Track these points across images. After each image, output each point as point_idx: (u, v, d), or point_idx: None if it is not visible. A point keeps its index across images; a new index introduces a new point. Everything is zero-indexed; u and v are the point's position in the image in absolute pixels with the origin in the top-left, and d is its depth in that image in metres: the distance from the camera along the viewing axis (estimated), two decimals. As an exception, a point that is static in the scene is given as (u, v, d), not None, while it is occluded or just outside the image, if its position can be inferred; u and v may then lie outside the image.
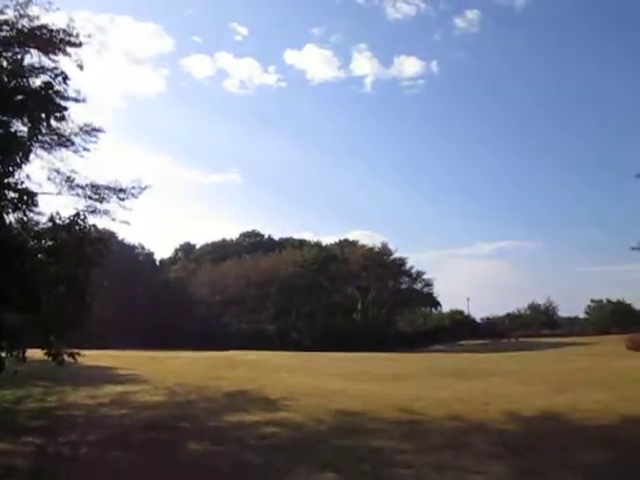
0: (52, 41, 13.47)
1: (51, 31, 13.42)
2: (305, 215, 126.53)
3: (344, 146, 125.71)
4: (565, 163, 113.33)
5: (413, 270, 66.43)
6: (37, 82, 12.99)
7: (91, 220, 13.74)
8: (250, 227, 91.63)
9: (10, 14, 13.00)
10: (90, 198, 15.23)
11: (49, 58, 13.63)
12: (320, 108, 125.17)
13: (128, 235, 57.46)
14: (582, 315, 78.68)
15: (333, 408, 12.61)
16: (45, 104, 12.34)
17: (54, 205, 13.95)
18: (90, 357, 15.64)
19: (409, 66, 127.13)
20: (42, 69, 13.41)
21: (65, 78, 13.11)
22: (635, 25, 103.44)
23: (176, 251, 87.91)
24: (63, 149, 15.04)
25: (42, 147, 14.50)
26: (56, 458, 8.78)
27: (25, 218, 12.76)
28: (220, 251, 79.72)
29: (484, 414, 11.63)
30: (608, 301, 72.48)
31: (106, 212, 15.65)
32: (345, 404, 13.15)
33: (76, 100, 14.38)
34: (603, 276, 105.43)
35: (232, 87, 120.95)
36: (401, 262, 65.53)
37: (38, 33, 13.26)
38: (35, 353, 12.78)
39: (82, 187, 15.09)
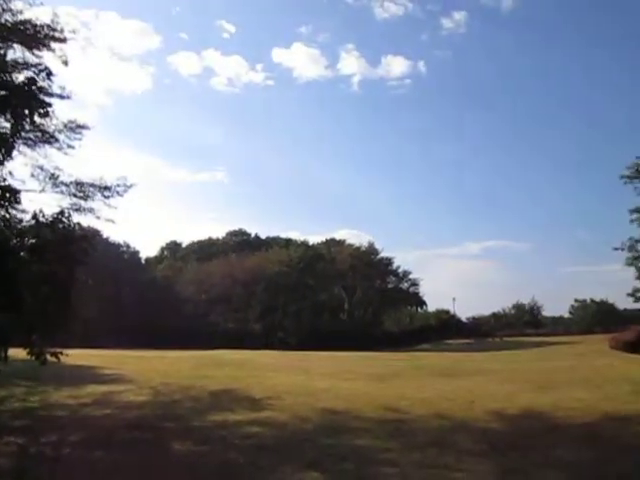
0: (36, 36, 13.32)
1: (35, 26, 13.27)
2: (292, 214, 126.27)
3: (331, 145, 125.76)
4: (552, 164, 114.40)
5: (400, 270, 66.78)
6: (20, 78, 12.80)
7: (76, 218, 13.66)
8: (237, 226, 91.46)
9: (-7, 8, 12.84)
10: (75, 196, 15.11)
11: (33, 53, 13.50)
12: (307, 107, 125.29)
13: (113, 233, 57.09)
14: (566, 315, 79.65)
15: (318, 407, 12.62)
16: (28, 100, 12.16)
17: (38, 202, 13.82)
18: (74, 356, 15.46)
19: (396, 66, 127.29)
20: (25, 64, 13.27)
21: (49, 74, 12.93)
22: (620, 27, 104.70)
23: (162, 250, 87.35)
24: (47, 146, 14.92)
25: (25, 144, 14.35)
26: (38, 458, 8.68)
27: (8, 215, 12.58)
28: (206, 250, 79.34)
29: (469, 413, 11.72)
30: (592, 301, 73.31)
31: (91, 210, 15.56)
32: (330, 403, 13.16)
33: (61, 96, 14.26)
34: (588, 276, 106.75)
35: (219, 85, 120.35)
36: (388, 262, 65.77)
37: (22, 28, 13.11)
38: (18, 352, 12.62)
39: (66, 184, 14.96)
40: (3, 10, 12.89)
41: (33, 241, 12.90)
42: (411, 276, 66.98)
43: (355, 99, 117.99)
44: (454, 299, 73.82)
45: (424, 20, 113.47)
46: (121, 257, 62.74)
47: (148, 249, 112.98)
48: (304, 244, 72.12)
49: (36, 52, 13.51)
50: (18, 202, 12.24)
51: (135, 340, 45.57)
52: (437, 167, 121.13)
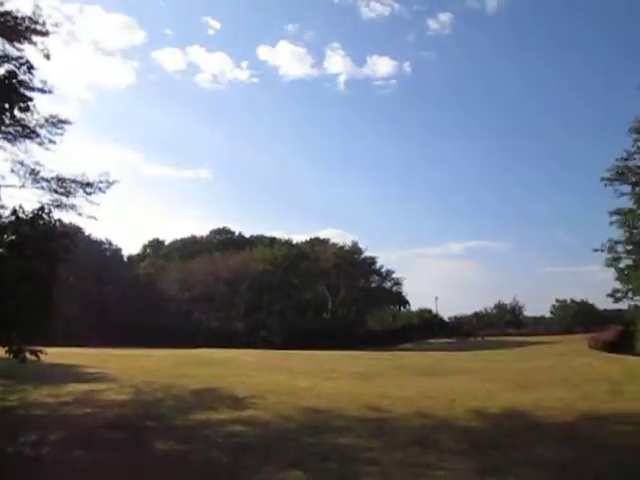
0: (17, 29, 13.10)
1: (16, 18, 13.05)
2: (276, 213, 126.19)
3: (315, 144, 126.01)
4: (533, 165, 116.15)
5: (383, 269, 67.15)
6: (0, 71, 12.61)
7: (57, 214, 13.42)
8: (221, 224, 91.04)
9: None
10: (56, 192, 14.88)
11: (13, 46, 13.27)
12: (293, 106, 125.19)
13: (95, 230, 56.58)
14: (547, 315, 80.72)
15: (301, 406, 12.62)
16: (9, 94, 11.98)
17: (18, 198, 13.58)
18: (55, 355, 15.29)
19: (382, 66, 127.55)
20: (6, 57, 13.04)
21: (30, 67, 12.77)
22: (596, 32, 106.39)
23: (145, 247, 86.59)
24: (27, 141, 14.66)
25: (5, 138, 14.11)
26: (17, 458, 8.55)
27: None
28: (189, 248, 78.81)
29: (450, 411, 11.80)
30: (572, 301, 74.37)
31: (72, 206, 15.33)
32: (313, 402, 13.17)
33: (42, 91, 14.03)
34: (568, 277, 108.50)
35: (204, 82, 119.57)
36: (371, 261, 66.07)
37: (2, 20, 12.88)
38: (-5, 350, 12.42)
39: (47, 180, 14.73)
40: (-18, 1, 12.67)
41: (13, 237, 12.68)
42: (394, 275, 67.55)
43: (341, 98, 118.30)
44: (436, 298, 74.68)
45: (410, 21, 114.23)
46: (103, 254, 62.05)
47: (131, 247, 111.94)
48: (288, 243, 72.07)
49: (17, 45, 13.29)
50: (-3, 197, 12.05)
51: (118, 338, 45.16)
52: (420, 168, 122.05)
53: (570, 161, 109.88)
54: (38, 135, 14.72)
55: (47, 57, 13.80)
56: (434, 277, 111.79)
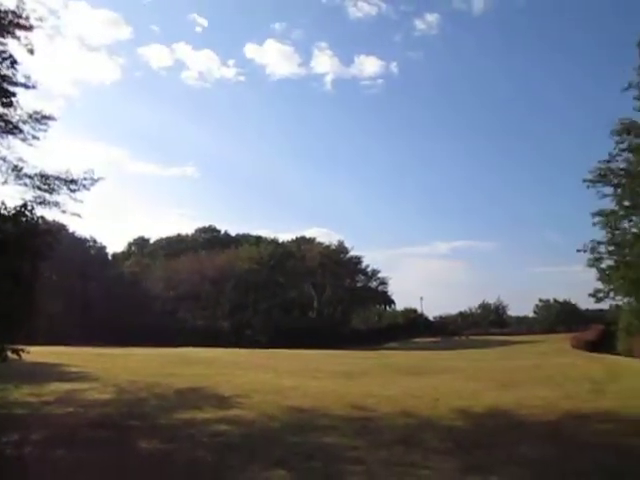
0: (-1, 22, 12.87)
1: (-3, 12, 12.82)
2: (262, 211, 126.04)
3: (302, 143, 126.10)
4: (522, 166, 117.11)
5: (369, 269, 67.40)
6: (-19, 65, 12.42)
7: (40, 212, 13.23)
8: (206, 222, 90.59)
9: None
10: (39, 188, 14.63)
11: (-5, 40, 13.02)
12: (279, 104, 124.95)
13: (79, 228, 55.86)
14: (531, 314, 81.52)
15: (286, 405, 12.61)
16: (-10, 89, 11.81)
17: (0, 195, 13.37)
18: (38, 353, 15.12)
19: (369, 66, 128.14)
20: (-13, 52, 12.81)
21: (13, 62, 12.58)
22: (584, 33, 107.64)
23: (129, 245, 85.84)
24: (10, 137, 14.39)
25: (-13, 134, 13.87)
26: (-3, 458, 8.45)
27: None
28: (175, 246, 78.27)
29: (434, 410, 11.88)
30: (555, 301, 75.24)
31: (56, 204, 15.05)
32: (298, 401, 13.18)
33: (25, 86, 13.79)
34: (552, 277, 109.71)
35: (190, 79, 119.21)
36: (357, 260, 66.26)
37: (-17, 13, 12.65)
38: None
39: (30, 177, 14.48)
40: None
41: (-6, 234, 12.50)
42: (380, 275, 67.87)
43: (328, 98, 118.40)
44: (422, 298, 74.90)
45: (397, 21, 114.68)
46: (87, 252, 61.35)
47: (115, 245, 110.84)
48: (274, 242, 71.95)
49: (-1, 39, 13.06)
50: (-21, 194, 11.86)
51: (101, 337, 44.71)
52: (407, 168, 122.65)
53: (558, 162, 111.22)
54: (21, 131, 14.47)
55: (31, 52, 13.56)
56: (420, 277, 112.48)
